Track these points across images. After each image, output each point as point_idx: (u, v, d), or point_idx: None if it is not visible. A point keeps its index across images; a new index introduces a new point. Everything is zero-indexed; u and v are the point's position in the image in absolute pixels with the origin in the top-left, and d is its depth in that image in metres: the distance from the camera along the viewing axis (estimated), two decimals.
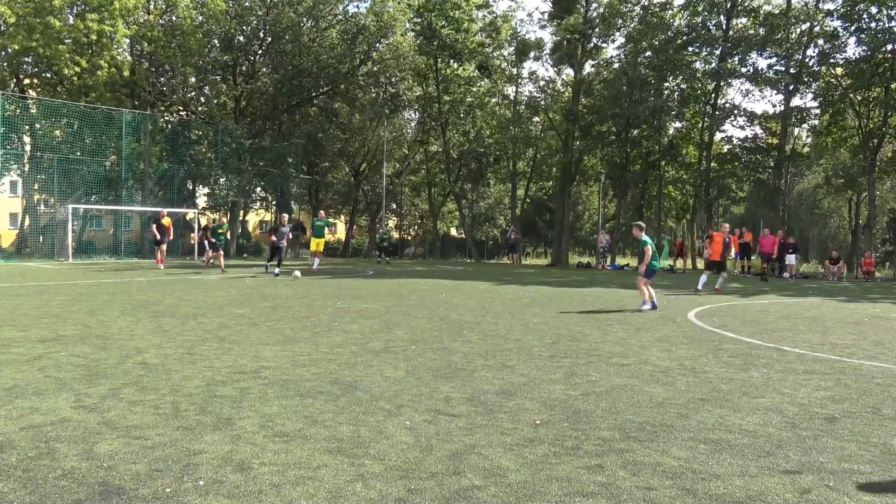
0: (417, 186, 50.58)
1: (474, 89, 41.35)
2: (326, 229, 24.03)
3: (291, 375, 6.32)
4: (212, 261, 23.65)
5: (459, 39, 37.71)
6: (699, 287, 17.58)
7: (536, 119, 41.08)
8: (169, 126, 36.94)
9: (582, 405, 5.45)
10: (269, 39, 38.14)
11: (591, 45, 37.36)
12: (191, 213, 34.73)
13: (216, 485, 3.60)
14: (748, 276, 28.01)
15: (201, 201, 40.08)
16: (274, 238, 20.88)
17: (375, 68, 39.15)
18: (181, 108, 39.47)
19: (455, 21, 37.43)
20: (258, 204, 44.63)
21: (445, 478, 3.77)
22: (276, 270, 19.77)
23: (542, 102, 39.64)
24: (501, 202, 50.82)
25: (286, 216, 21.35)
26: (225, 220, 25.72)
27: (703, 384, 6.35)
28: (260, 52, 39.25)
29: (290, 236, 21.49)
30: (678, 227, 49.28)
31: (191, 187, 38.07)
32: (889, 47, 30.11)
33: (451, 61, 39.95)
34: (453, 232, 55.62)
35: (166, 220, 23.89)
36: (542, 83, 40.12)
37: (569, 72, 39.31)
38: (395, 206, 53.64)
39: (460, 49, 38.13)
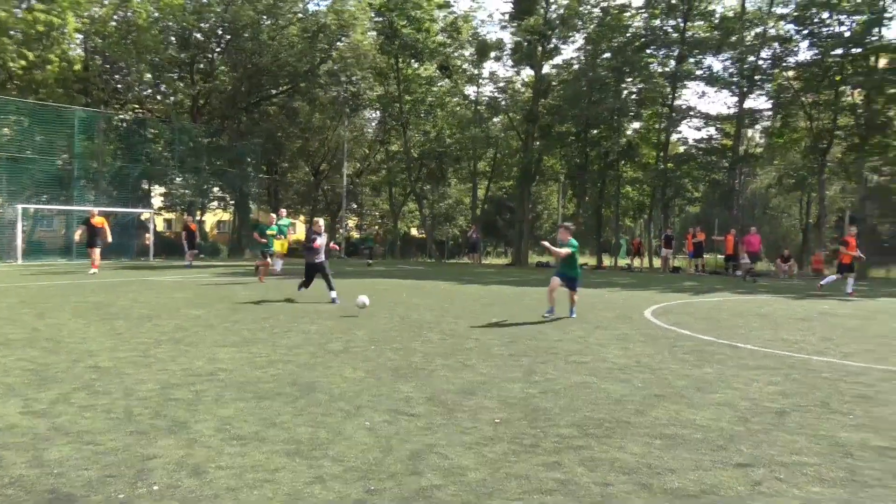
0: (378, 186, 50.41)
1: (435, 89, 41.38)
2: (287, 230, 21.94)
3: (249, 377, 6.24)
4: (264, 267, 18.78)
5: (420, 39, 37.70)
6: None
7: (497, 119, 41.28)
8: (123, 124, 36.15)
9: (540, 403, 5.49)
10: (228, 37, 37.62)
11: (551, 45, 37.67)
12: (146, 214, 34.05)
13: (171, 490, 3.54)
14: (703, 275, 28.54)
15: (157, 201, 39.33)
16: (309, 254, 13.69)
17: (336, 67, 38.92)
18: (136, 105, 38.68)
19: (416, 21, 37.40)
20: (216, 204, 44.00)
21: (405, 478, 3.76)
22: (333, 294, 13.15)
23: (503, 103, 39.87)
24: (462, 202, 50.95)
25: (321, 221, 14.21)
26: (274, 216, 19.97)
27: (659, 381, 6.45)
28: (218, 49, 38.70)
29: (325, 248, 13.92)
30: (636, 226, 49.98)
31: (146, 187, 37.33)
32: (838, 52, 30.98)
33: (412, 61, 39.92)
34: (414, 232, 55.54)
35: (97, 220, 21.34)
36: (502, 83, 40.35)
37: (529, 72, 39.63)
38: (355, 206, 53.38)
39: (421, 49, 38.12)
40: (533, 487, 3.65)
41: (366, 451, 4.19)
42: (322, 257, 13.41)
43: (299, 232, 54.33)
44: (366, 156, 49.08)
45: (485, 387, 6.04)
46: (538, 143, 37.99)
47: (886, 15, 30.10)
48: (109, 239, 21.83)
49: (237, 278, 19.29)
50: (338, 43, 39.15)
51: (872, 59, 30.45)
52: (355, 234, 52.70)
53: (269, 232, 18.55)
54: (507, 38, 38.98)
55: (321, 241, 13.47)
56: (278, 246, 20.77)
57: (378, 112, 44.67)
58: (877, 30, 30.30)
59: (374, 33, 39.59)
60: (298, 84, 39.08)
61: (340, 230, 41.14)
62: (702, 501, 3.50)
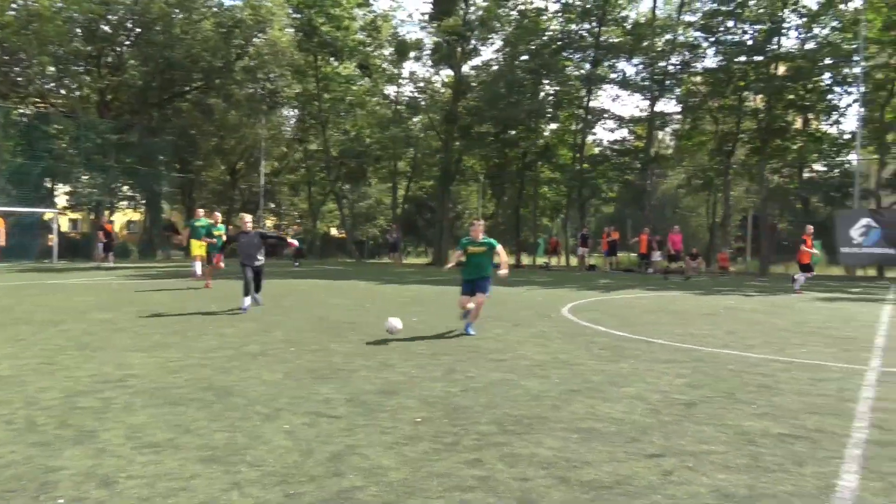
0: (296, 185, 49.60)
1: (355, 88, 41.05)
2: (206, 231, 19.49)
3: (161, 383, 6.04)
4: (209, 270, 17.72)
5: (339, 37, 37.34)
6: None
7: (416, 119, 41.35)
8: (24, 119, 34.26)
9: (461, 401, 5.54)
10: (138, 30, 36.16)
11: (470, 46, 38.04)
12: (49, 213, 32.38)
13: (77, 502, 3.39)
14: (617, 273, 29.41)
15: (61, 200, 37.45)
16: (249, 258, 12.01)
17: (252, 63, 38.02)
18: (38, 99, 36.68)
19: (335, 18, 37.02)
20: (125, 203, 42.23)
21: (325, 480, 3.72)
22: (247, 302, 11.70)
23: (422, 103, 39.97)
24: (382, 202, 50.75)
25: (248, 217, 12.79)
26: (219, 214, 19.13)
27: (576, 376, 6.62)
28: (127, 42, 37.14)
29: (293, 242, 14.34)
30: (553, 225, 51.03)
31: (49, 185, 35.48)
32: (742, 59, 32.57)
33: (331, 59, 39.50)
34: (333, 232, 54.96)
35: None
36: (421, 83, 40.45)
37: (448, 72, 39.86)
38: (273, 206, 52.38)
39: (340, 47, 37.76)
40: (454, 485, 3.68)
41: (285, 455, 4.13)
42: (262, 260, 12.09)
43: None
44: (284, 154, 48.19)
45: (406, 386, 6.05)
46: (458, 143, 38.30)
47: (784, 25, 31.88)
48: (3, 241, 20.19)
49: (150, 280, 18.61)
50: (254, 39, 38.24)
51: (773, 66, 32.18)
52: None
53: (216, 232, 17.44)
54: (427, 38, 39.14)
55: (250, 238, 12.06)
56: (197, 248, 19.15)
57: (296, 110, 43.97)
58: (776, 39, 32.04)
59: (292, 30, 38.94)
60: (213, 80, 37.95)
61: (292, 231, 40.18)
62: (616, 492, 3.61)
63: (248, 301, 11.68)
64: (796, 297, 17.31)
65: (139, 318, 10.39)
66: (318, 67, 38.99)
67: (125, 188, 38.59)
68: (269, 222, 53.16)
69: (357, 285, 18.50)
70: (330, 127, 40.96)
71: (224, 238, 17.31)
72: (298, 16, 37.66)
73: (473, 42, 38.00)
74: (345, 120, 41.51)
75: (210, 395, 5.61)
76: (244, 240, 12.08)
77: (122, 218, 54.68)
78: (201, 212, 20.12)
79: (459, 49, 37.43)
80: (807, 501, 3.51)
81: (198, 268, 19.34)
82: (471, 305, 9.39)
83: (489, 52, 40.39)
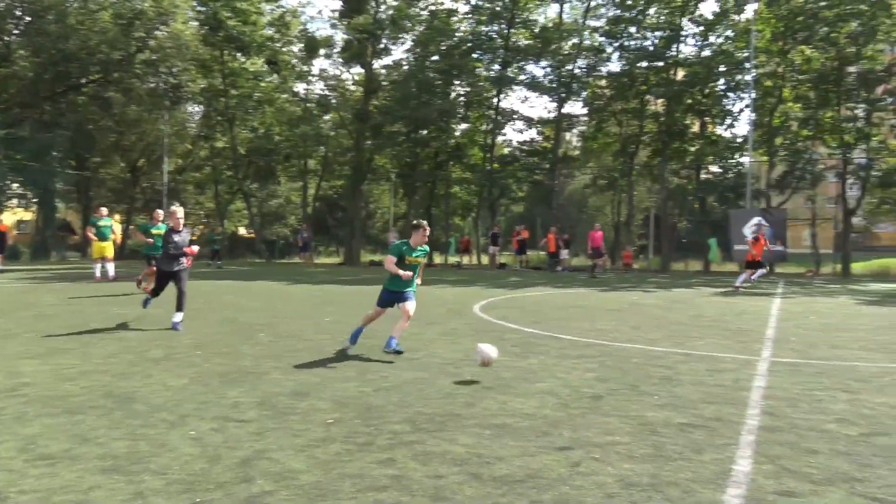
0: (202, 184, 47.97)
1: (263, 84, 40.15)
2: (110, 230, 18.80)
3: (57, 391, 5.73)
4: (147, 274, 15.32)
5: (247, 32, 36.44)
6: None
7: (327, 117, 40.85)
8: None
9: (374, 401, 5.52)
10: (28, 18, 34.14)
11: (381, 45, 37.91)
12: None
13: None
14: (527, 271, 30.00)
15: None
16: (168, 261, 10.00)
17: (154, 57, 36.56)
18: None
19: (242, 13, 36.10)
20: (15, 202, 39.75)
21: (233, 486, 3.63)
22: (178, 318, 9.71)
23: (333, 101, 39.54)
24: (292, 201, 49.85)
25: (180, 211, 10.17)
26: (161, 212, 15.79)
27: (488, 373, 6.70)
28: (16, 31, 35.02)
29: (193, 250, 10.01)
30: (464, 224, 51.55)
31: None
32: (644, 64, 33.89)
33: (238, 54, 38.49)
34: (242, 231, 53.54)
35: None
36: (332, 81, 40.00)
37: (359, 71, 39.58)
38: (177, 205, 50.46)
39: (248, 42, 36.86)
40: (367, 485, 3.66)
41: (191, 462, 3.99)
42: (184, 264, 9.95)
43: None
44: (189, 152, 46.53)
45: (318, 388, 5.97)
46: (369, 142, 38.11)
47: (683, 33, 33.41)
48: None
49: (44, 284, 17.61)
50: (156, 32, 36.80)
51: (672, 72, 33.63)
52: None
53: (154, 231, 14.94)
54: (338, 35, 38.77)
55: (182, 238, 9.90)
56: (99, 250, 18.26)
57: (202, 106, 42.57)
58: (675, 46, 33.51)
59: (197, 24, 37.70)
60: (111, 73, 36.29)
61: (209, 229, 38.56)
62: (527, 485, 3.69)
63: (181, 315, 9.64)
64: (730, 291, 18.54)
65: (32, 323, 9.82)
66: (224, 63, 37.93)
67: (15, 186, 36.37)
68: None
69: (267, 286, 18.12)
70: (237, 124, 39.93)
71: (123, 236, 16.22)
72: (203, 9, 36.49)
73: (384, 41, 37.90)
74: (253, 117, 40.52)
75: (110, 402, 5.37)
76: (175, 239, 9.74)
77: (12, 217, 51.54)
78: (104, 210, 19.06)
79: (370, 47, 37.23)
80: (705, 487, 3.69)
81: (98, 270, 18.44)
82: (400, 319, 7.81)
83: (400, 51, 40.61)
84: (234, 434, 4.56)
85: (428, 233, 7.95)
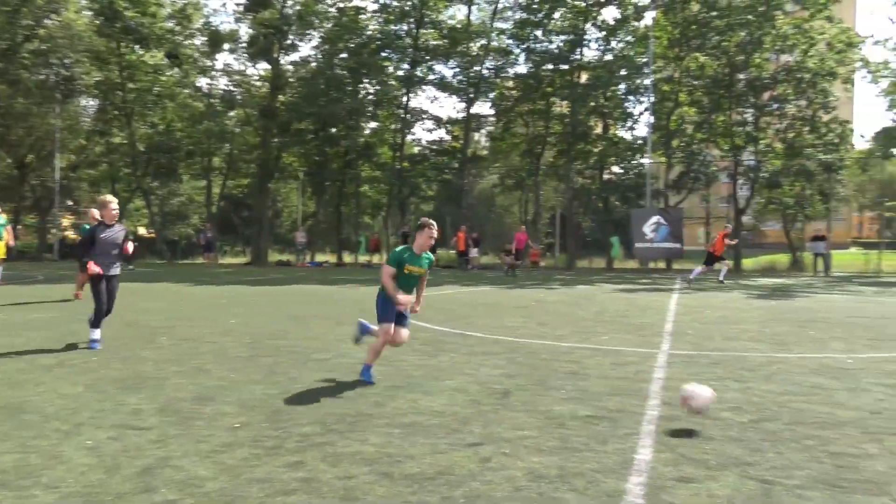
0: (98, 181, 45.69)
1: (164, 78, 38.67)
2: (3, 230, 17.59)
3: None
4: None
5: (145, 24, 35.00)
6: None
7: (232, 113, 39.76)
8: None
9: (282, 404, 5.42)
10: None
11: (288, 41, 37.23)
12: None
13: None
14: (437, 270, 30.13)
15: None
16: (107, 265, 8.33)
17: (44, 47, 34.55)
18: None
19: (140, 3, 34.67)
20: None
21: (134, 497, 3.48)
22: (97, 334, 8.18)
23: (238, 97, 38.54)
24: (195, 199, 48.25)
25: (114, 203, 8.49)
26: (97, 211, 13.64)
27: (398, 372, 6.71)
28: None
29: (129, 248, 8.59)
30: (374, 223, 51.32)
31: None
32: (549, 66, 34.73)
33: (137, 46, 36.92)
34: (142, 231, 51.39)
35: None
36: (237, 77, 38.97)
37: (266, 66, 38.73)
38: (71, 203, 47.92)
39: (146, 34, 35.42)
40: (275, 490, 3.59)
41: (87, 473, 3.80)
42: (118, 270, 8.50)
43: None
44: (83, 147, 44.23)
45: (223, 392, 5.81)
46: (276, 139, 37.39)
47: (586, 37, 34.47)
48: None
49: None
50: (46, 20, 34.79)
51: (576, 75, 34.63)
52: (72, 235, 47.32)
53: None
54: (243, 30, 37.81)
55: (115, 234, 8.38)
56: None
57: (97, 100, 40.58)
58: (579, 50, 34.51)
59: (91, 13, 35.90)
60: None
61: (53, 230, 36.51)
62: (438, 483, 3.71)
63: (98, 332, 8.16)
64: (686, 286, 19.47)
65: None
66: (121, 55, 36.36)
67: None
68: (66, 221, 48.63)
69: (169, 288, 17.47)
70: (136, 119, 38.32)
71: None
72: None
73: (291, 37, 37.24)
74: (153, 112, 38.97)
75: None
76: (105, 235, 8.23)
77: None
78: None
79: (277, 43, 36.50)
80: (609, 476, 3.82)
81: None
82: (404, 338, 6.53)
83: (308, 47, 40.04)
84: (135, 442, 4.37)
85: (436, 234, 6.33)
